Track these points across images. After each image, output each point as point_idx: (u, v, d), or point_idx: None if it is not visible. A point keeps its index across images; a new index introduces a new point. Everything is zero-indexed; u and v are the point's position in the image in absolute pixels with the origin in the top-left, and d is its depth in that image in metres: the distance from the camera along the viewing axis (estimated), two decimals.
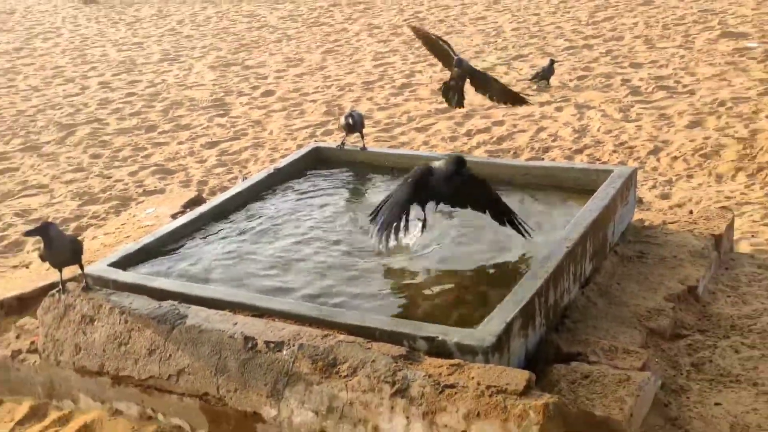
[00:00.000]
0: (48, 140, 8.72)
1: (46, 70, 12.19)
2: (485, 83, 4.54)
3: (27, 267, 5.09)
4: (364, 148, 5.02)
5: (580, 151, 7.11)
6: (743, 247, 4.81)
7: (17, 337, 3.71)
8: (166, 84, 10.87)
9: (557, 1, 14.14)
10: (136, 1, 18.14)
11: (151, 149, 8.20)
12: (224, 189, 6.42)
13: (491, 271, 3.61)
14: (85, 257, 4.32)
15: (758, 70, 9.06)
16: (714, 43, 10.37)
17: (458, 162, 3.52)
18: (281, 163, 4.97)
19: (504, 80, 9.66)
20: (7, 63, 12.91)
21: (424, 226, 3.76)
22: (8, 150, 8.47)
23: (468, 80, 4.55)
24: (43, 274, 4.28)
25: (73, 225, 6.32)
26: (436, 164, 3.57)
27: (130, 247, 3.89)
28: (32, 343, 3.61)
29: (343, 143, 5.08)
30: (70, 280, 3.77)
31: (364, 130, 5.03)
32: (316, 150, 5.12)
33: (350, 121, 4.84)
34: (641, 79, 9.11)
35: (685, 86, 8.73)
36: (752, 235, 5.06)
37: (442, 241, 3.90)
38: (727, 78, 8.85)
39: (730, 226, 4.44)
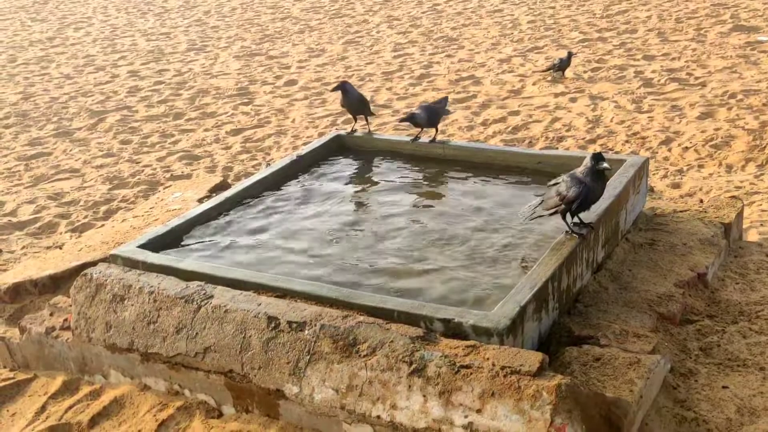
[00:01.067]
0: (80, 126, 8.87)
1: (78, 59, 12.35)
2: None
3: (60, 248, 5.16)
4: (369, 133, 5.12)
5: (593, 141, 7.14)
6: (752, 235, 4.84)
7: (51, 314, 3.76)
8: (192, 73, 10.98)
9: None
10: None
11: (178, 136, 8.32)
12: (248, 175, 6.54)
13: (507, 255, 3.63)
14: (115, 239, 4.40)
15: None
16: (726, 37, 10.31)
17: (598, 158, 3.33)
18: (303, 150, 5.00)
19: (520, 71, 9.71)
20: (40, 52, 13.08)
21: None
22: (42, 135, 8.62)
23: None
24: (75, 254, 4.34)
25: (103, 208, 6.44)
26: (580, 171, 3.34)
27: (158, 229, 3.93)
28: (65, 320, 3.67)
29: (354, 129, 5.18)
30: (102, 260, 3.88)
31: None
32: (337, 137, 5.17)
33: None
34: (654, 72, 9.10)
35: (696, 78, 8.71)
36: (761, 224, 5.07)
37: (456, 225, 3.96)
38: (738, 71, 8.82)
39: (740, 215, 4.44)
